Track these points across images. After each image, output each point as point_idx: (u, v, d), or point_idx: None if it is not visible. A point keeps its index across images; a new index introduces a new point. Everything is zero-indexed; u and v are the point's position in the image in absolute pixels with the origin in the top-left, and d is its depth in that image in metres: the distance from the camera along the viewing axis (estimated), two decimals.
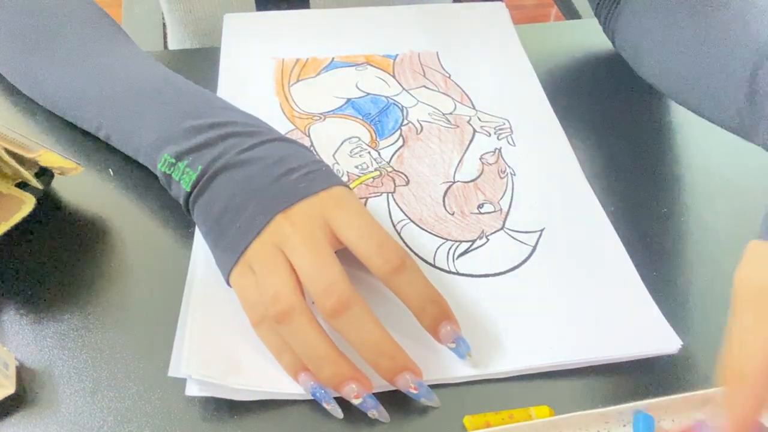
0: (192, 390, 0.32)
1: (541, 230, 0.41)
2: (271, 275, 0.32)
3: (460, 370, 0.33)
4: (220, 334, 0.34)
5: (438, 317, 0.33)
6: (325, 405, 0.31)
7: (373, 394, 0.32)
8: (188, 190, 0.36)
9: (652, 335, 0.35)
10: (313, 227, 0.33)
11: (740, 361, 0.26)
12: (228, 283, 0.35)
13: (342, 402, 0.32)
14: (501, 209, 0.42)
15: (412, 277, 0.33)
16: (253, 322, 0.33)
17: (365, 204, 0.42)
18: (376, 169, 0.44)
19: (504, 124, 0.48)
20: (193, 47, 0.64)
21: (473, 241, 0.40)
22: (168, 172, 0.37)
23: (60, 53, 0.43)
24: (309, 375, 0.31)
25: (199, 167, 0.35)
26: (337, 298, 0.31)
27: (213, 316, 0.35)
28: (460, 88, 0.50)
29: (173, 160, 0.36)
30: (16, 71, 0.45)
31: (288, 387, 0.32)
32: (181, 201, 0.37)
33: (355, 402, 0.31)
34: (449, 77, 0.51)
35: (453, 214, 0.41)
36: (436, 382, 0.33)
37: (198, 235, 0.38)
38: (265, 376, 0.33)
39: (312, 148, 0.45)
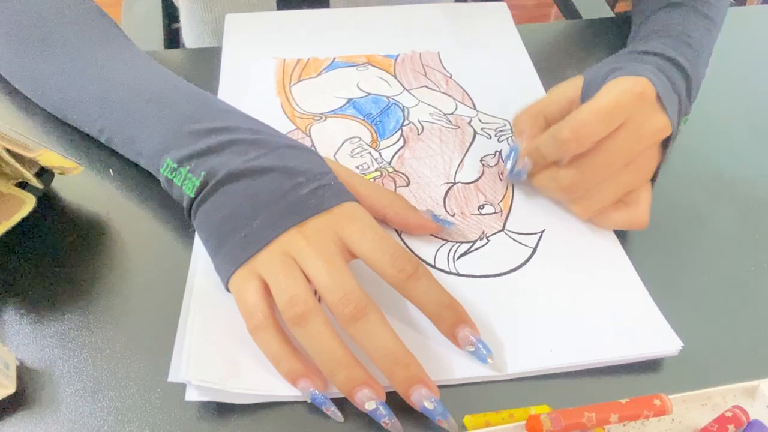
0: (192, 395, 0.32)
1: (542, 232, 0.41)
2: (286, 280, 0.32)
3: (460, 372, 0.33)
4: (220, 338, 0.34)
5: (455, 322, 0.33)
6: (325, 410, 0.31)
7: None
8: (192, 195, 0.36)
9: (652, 336, 0.35)
10: (326, 241, 0.33)
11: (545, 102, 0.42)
12: (227, 289, 0.35)
13: (340, 405, 0.32)
14: (501, 211, 0.42)
15: (427, 284, 0.33)
16: (249, 328, 0.33)
17: None
18: (376, 170, 0.44)
19: (505, 126, 0.48)
20: (211, 45, 0.64)
21: (474, 242, 0.40)
22: (170, 177, 0.36)
23: (60, 57, 0.42)
24: (308, 381, 0.31)
25: (202, 173, 0.35)
26: (355, 305, 0.31)
27: (212, 321, 0.34)
28: (462, 88, 0.50)
29: (175, 165, 0.36)
30: (17, 74, 0.45)
31: (287, 390, 0.32)
32: (184, 205, 0.37)
33: (368, 408, 0.31)
34: (450, 77, 0.51)
35: (453, 215, 0.41)
36: (437, 383, 0.33)
37: (198, 241, 0.38)
38: (265, 380, 0.33)
39: (313, 148, 0.45)
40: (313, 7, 0.57)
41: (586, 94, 0.40)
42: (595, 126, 0.36)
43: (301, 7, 0.57)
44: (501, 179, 0.43)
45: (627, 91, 0.37)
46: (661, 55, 0.41)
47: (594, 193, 0.39)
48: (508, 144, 0.46)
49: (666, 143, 0.39)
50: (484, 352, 0.33)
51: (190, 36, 0.68)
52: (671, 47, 0.42)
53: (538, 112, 0.42)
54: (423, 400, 0.31)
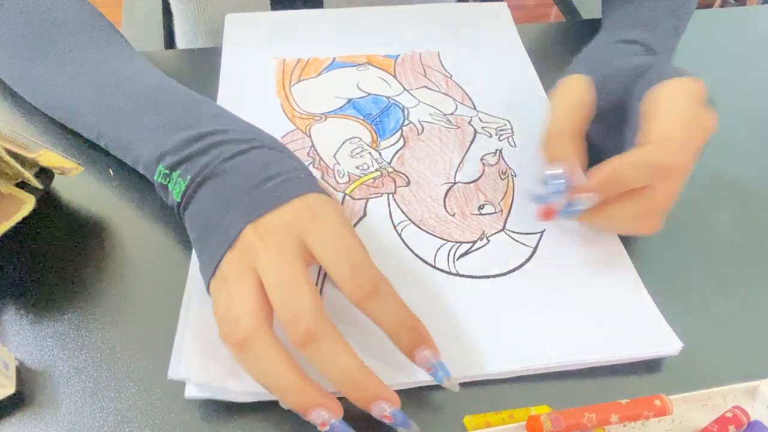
0: (191, 392, 0.32)
1: (542, 232, 0.41)
2: (235, 296, 0.31)
3: (460, 371, 0.33)
4: (218, 339, 0.34)
5: (413, 343, 0.32)
6: (305, 417, 0.31)
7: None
8: (178, 200, 0.36)
9: (652, 337, 0.35)
10: (283, 244, 0.31)
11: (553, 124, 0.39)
12: (208, 293, 0.34)
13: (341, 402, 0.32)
14: (501, 210, 0.42)
15: (386, 303, 0.32)
16: (221, 336, 0.32)
17: (366, 205, 0.42)
18: (376, 170, 0.44)
19: (505, 125, 0.48)
20: (205, 46, 0.64)
21: (474, 242, 0.40)
22: (164, 183, 0.37)
23: (57, 62, 0.42)
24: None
25: (188, 177, 0.35)
26: (304, 328, 0.29)
27: (212, 319, 0.34)
28: (461, 88, 0.50)
29: (167, 171, 0.36)
30: (16, 80, 0.45)
31: None
32: (175, 210, 0.37)
33: (323, 430, 0.30)
34: (450, 77, 0.51)
35: (454, 215, 0.41)
36: (436, 382, 0.33)
37: None
38: None
39: (313, 149, 0.45)
40: (307, 7, 0.57)
41: (603, 95, 0.39)
42: (691, 141, 0.35)
43: (295, 7, 0.57)
44: (548, 218, 0.38)
45: (694, 97, 0.36)
46: (641, 43, 0.42)
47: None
48: (541, 175, 0.38)
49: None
50: (441, 374, 0.32)
51: (183, 39, 0.68)
52: (649, 39, 0.43)
53: (572, 131, 0.38)
54: (382, 414, 0.30)
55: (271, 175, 0.34)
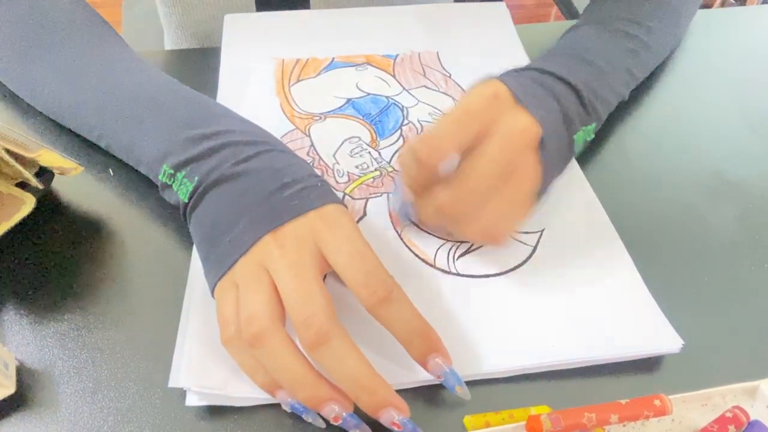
0: (192, 400, 0.32)
1: (542, 231, 0.41)
2: (250, 295, 0.31)
3: (461, 370, 0.33)
4: (219, 343, 0.34)
5: (425, 350, 0.32)
6: (305, 418, 0.31)
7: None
8: (186, 200, 0.35)
9: (653, 335, 0.35)
10: (301, 251, 0.32)
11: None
12: (213, 296, 0.34)
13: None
14: None
15: (399, 309, 0.32)
16: (222, 340, 0.32)
17: (365, 205, 0.42)
18: (376, 169, 0.44)
19: None
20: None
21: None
22: (169, 183, 0.36)
23: (56, 63, 0.42)
24: (285, 393, 0.31)
25: (196, 178, 0.35)
26: (316, 330, 0.30)
27: (212, 324, 0.34)
28: (461, 87, 0.50)
29: (172, 171, 0.36)
30: (16, 81, 0.45)
31: None
32: (180, 211, 0.37)
33: (335, 423, 0.30)
34: (449, 77, 0.51)
35: None
36: (437, 382, 0.33)
37: None
38: None
39: (312, 148, 0.45)
40: (293, 8, 0.57)
41: None
42: (445, 133, 0.35)
43: (281, 9, 0.56)
44: (396, 228, 0.40)
45: (477, 95, 0.36)
46: (539, 69, 0.40)
47: (480, 212, 0.36)
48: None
49: (545, 148, 0.36)
50: (453, 382, 0.32)
51: (168, 43, 0.68)
52: (555, 63, 0.41)
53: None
54: (390, 421, 0.30)
55: (286, 183, 0.34)
